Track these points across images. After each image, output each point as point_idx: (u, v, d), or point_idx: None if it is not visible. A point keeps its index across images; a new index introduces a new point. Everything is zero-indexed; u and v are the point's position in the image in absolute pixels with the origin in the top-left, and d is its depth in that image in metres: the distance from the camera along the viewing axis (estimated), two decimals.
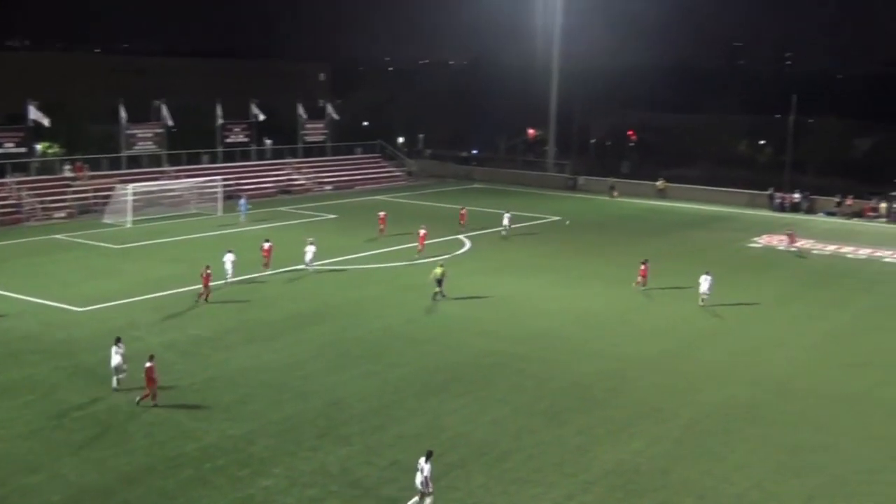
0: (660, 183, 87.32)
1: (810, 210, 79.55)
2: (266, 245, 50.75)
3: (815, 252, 60.43)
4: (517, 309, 43.38)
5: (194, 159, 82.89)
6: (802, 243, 62.52)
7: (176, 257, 53.78)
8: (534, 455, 26.62)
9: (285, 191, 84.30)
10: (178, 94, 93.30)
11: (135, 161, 79.31)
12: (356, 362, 34.75)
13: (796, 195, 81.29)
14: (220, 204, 70.91)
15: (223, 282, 45.80)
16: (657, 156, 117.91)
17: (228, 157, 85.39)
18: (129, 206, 65.60)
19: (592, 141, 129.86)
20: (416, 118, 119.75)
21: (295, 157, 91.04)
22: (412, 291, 46.00)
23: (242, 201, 69.38)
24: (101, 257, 54.06)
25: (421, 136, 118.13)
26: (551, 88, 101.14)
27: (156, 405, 29.48)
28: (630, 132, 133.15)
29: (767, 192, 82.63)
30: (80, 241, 58.67)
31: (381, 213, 63.90)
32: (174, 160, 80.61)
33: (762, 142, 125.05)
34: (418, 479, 23.10)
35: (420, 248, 55.49)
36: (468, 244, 59.50)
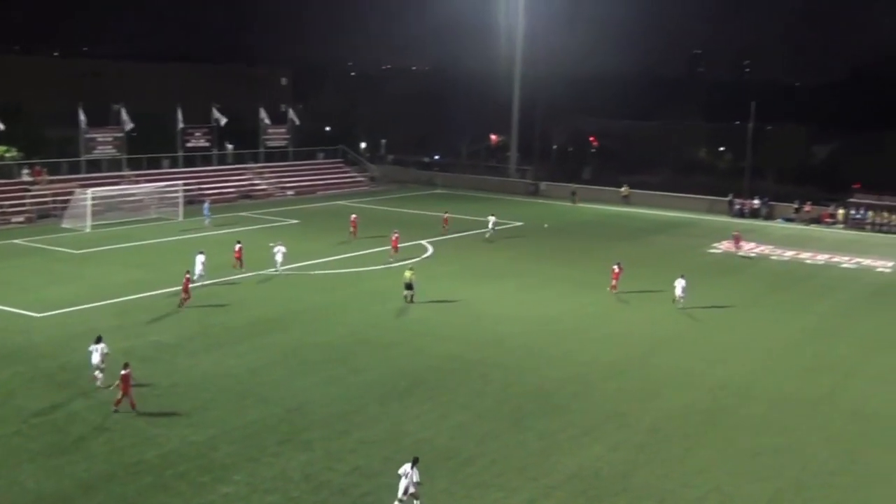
0: (624, 189, 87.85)
1: (769, 216, 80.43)
2: (237, 246, 51.72)
3: (774, 258, 61.10)
4: (480, 314, 43.44)
5: (155, 164, 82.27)
6: (762, 249, 63.30)
7: (137, 262, 53.36)
8: (496, 460, 26.67)
9: (247, 196, 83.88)
10: (138, 98, 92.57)
11: (94, 165, 78.52)
12: (319, 367, 34.64)
13: (756, 201, 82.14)
14: (181, 209, 70.46)
15: (194, 285, 45.57)
16: (618, 162, 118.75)
17: (189, 161, 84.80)
18: (89, 210, 64.97)
19: (554, 147, 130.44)
20: (379, 123, 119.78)
21: (256, 161, 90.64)
22: (376, 296, 45.98)
23: (206, 205, 68.90)
24: (60, 262, 53.47)
25: (383, 141, 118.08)
26: (513, 94, 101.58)
27: (116, 411, 29.21)
28: (591, 138, 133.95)
29: (727, 199, 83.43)
30: (38, 245, 57.98)
31: (353, 217, 64.41)
32: (134, 164, 79.90)
33: (722, 148, 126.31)
34: (403, 484, 23.06)
35: (394, 251, 55.98)
36: (430, 249, 59.51)
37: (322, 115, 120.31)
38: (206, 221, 66.69)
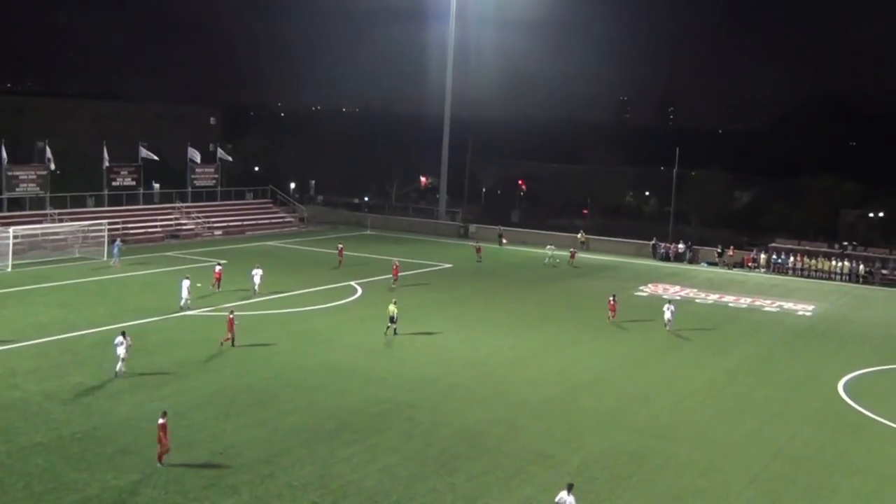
0: (580, 235, 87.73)
1: (693, 260, 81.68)
2: (217, 268, 57.00)
3: (698, 301, 61.99)
4: (408, 356, 43.35)
5: (79, 202, 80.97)
6: (686, 292, 64.24)
7: (59, 302, 52.25)
8: (425, 503, 26.52)
9: (173, 235, 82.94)
10: (63, 135, 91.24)
11: (17, 203, 77.07)
12: (245, 410, 34.18)
13: (680, 245, 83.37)
14: (105, 248, 69.24)
15: (180, 314, 46.80)
16: (546, 205, 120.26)
17: (115, 200, 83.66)
18: (10, 249, 63.47)
19: (483, 189, 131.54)
20: (308, 164, 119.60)
21: (183, 201, 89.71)
22: (302, 337, 45.66)
23: (116, 245, 67.61)
24: None
25: (312, 182, 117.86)
26: (443, 137, 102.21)
27: (160, 464, 28.25)
28: (520, 181, 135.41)
29: (652, 242, 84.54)
30: None
31: (340, 246, 70.65)
32: (58, 203, 78.57)
33: (647, 193, 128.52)
34: None
35: (395, 279, 61.63)
36: (360, 291, 59.35)
37: (251, 155, 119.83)
38: (113, 261, 65.45)
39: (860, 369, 44.80)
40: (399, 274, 62.46)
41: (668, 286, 66.69)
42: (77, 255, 68.82)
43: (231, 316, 43.66)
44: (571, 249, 78.19)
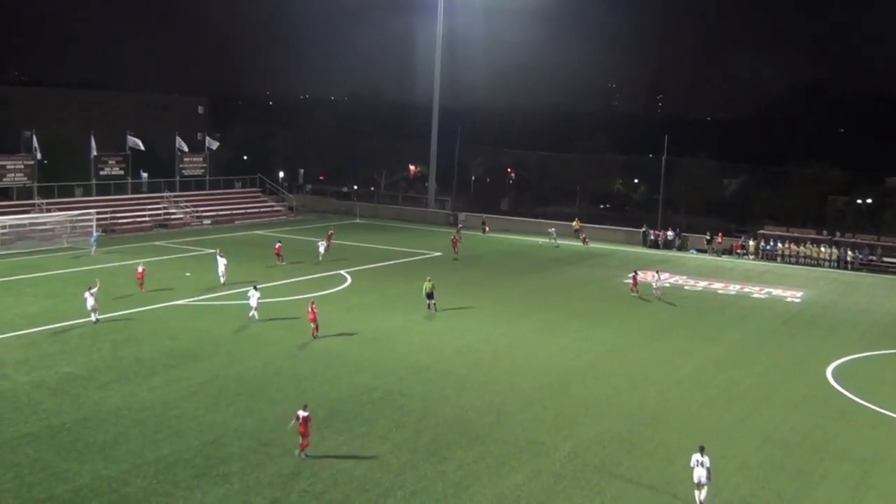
0: (575, 223, 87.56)
1: (682, 247, 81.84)
2: (277, 245, 64.03)
3: (687, 288, 62.11)
4: (397, 344, 43.37)
5: (67, 192, 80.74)
6: (676, 279, 64.36)
7: (48, 293, 52.13)
8: (416, 491, 26.58)
9: (162, 225, 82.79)
10: (50, 125, 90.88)
11: (4, 193, 76.87)
12: (235, 399, 34.18)
13: (669, 232, 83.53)
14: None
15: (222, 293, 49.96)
16: (535, 193, 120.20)
17: (103, 189, 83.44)
18: None
19: (472, 178, 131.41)
20: (297, 153, 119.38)
21: (172, 190, 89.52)
22: (292, 326, 45.58)
23: (94, 234, 67.63)
24: None
25: (301, 170, 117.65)
26: (432, 125, 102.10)
27: (306, 456, 28.37)
28: (509, 169, 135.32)
29: (641, 230, 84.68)
30: None
31: (330, 232, 74.38)
32: (46, 193, 78.33)
33: (636, 180, 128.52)
34: (699, 473, 25.55)
35: (456, 252, 70.42)
36: (349, 279, 59.35)
37: (239, 144, 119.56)
38: (92, 250, 65.44)
39: (848, 355, 44.97)
40: (458, 246, 71.00)
41: (657, 273, 66.79)
42: (65, 245, 68.67)
43: (313, 305, 43.99)
44: (583, 236, 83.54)
